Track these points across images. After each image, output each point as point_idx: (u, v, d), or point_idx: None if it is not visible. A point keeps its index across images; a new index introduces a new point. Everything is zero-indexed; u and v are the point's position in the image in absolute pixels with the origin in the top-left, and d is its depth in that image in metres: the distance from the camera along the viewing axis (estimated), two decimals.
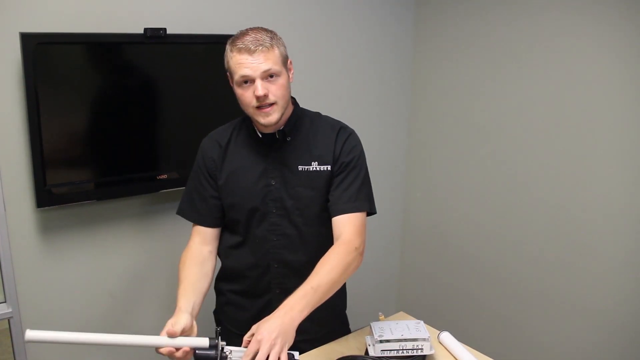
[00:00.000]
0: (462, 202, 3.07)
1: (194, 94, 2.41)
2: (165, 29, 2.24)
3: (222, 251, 1.85)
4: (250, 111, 1.64)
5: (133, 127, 2.31)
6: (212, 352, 1.38)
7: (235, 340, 1.65)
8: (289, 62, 1.67)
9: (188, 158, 2.45)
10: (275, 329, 1.37)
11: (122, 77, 2.26)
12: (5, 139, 2.12)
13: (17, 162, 2.17)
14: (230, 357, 1.38)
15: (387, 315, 1.88)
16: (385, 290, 3.51)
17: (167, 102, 2.36)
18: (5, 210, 2.15)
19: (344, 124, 1.80)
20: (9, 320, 2.26)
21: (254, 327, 1.41)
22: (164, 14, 2.34)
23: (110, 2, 2.22)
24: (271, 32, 1.64)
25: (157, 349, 1.40)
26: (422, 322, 1.74)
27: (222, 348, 1.39)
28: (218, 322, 1.97)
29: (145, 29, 2.21)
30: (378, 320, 1.78)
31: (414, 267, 3.44)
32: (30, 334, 1.30)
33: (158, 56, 2.31)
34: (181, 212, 1.84)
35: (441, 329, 1.82)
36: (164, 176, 2.39)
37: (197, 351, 1.39)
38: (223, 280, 1.91)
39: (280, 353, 1.35)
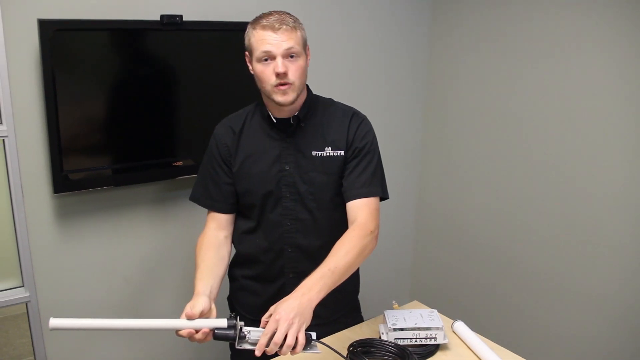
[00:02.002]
0: (477, 191, 3.05)
1: (209, 80, 2.41)
2: (181, 16, 2.24)
3: (235, 237, 1.86)
4: (268, 89, 1.64)
5: (149, 114, 2.32)
6: (231, 332, 1.39)
7: (250, 325, 1.66)
8: (307, 47, 1.69)
9: (203, 145, 2.45)
10: (293, 309, 1.38)
11: (139, 63, 2.27)
12: (22, 126, 2.14)
13: (34, 149, 2.19)
14: (248, 337, 1.39)
15: (401, 304, 1.88)
16: (399, 280, 3.51)
17: (183, 89, 2.37)
18: (23, 196, 2.17)
19: (356, 110, 1.81)
20: (26, 305, 2.29)
21: (272, 308, 1.42)
22: (181, 1, 2.34)
23: None
24: (294, 16, 1.66)
25: (177, 331, 1.41)
26: (435, 311, 1.74)
27: (241, 328, 1.40)
28: (232, 308, 1.98)
29: (162, 16, 2.21)
30: (392, 308, 1.78)
31: (427, 257, 3.43)
32: (54, 322, 1.32)
33: (174, 43, 2.31)
34: (194, 199, 1.85)
35: (455, 318, 1.82)
36: (180, 163, 2.40)
37: (216, 331, 1.40)
38: (237, 266, 1.92)
39: (297, 332, 1.36)
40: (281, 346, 1.35)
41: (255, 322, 1.50)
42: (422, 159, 3.34)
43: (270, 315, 1.39)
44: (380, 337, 1.69)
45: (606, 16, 2.38)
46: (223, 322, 1.41)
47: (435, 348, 1.67)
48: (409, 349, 1.59)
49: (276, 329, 1.35)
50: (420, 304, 1.96)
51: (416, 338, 1.65)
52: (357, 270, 1.93)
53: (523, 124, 2.77)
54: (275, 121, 1.74)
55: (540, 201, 2.73)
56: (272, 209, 1.76)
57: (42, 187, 2.24)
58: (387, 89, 3.11)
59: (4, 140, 2.09)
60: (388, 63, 3.07)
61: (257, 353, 1.36)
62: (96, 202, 2.37)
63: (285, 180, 1.73)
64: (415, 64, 3.20)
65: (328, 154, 1.72)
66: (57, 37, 2.01)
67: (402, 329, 1.65)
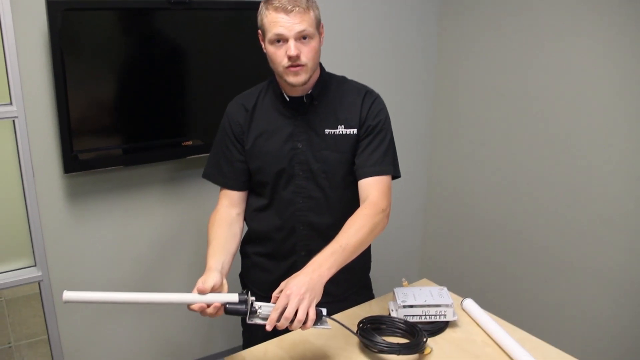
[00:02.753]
0: (486, 170, 3.05)
1: (218, 60, 2.41)
2: None
3: (248, 214, 1.86)
4: (280, 70, 1.63)
5: (158, 94, 2.32)
6: (242, 307, 1.40)
7: (261, 301, 1.67)
8: (321, 25, 1.67)
9: (213, 124, 2.46)
10: (304, 284, 1.38)
11: (147, 43, 2.27)
12: (32, 107, 2.15)
13: (44, 129, 2.20)
14: (259, 312, 1.40)
15: (411, 282, 1.88)
16: (408, 258, 3.52)
17: (192, 68, 2.37)
18: (34, 176, 2.18)
19: (369, 88, 1.79)
20: (39, 284, 2.32)
21: (282, 283, 1.42)
22: None
23: None
24: None
25: (188, 305, 1.42)
26: (445, 288, 1.75)
27: (252, 303, 1.41)
28: (244, 285, 1.99)
29: None
30: (401, 286, 1.79)
31: (437, 235, 3.44)
32: (67, 295, 1.33)
33: (183, 22, 2.30)
34: (207, 176, 1.85)
35: (464, 296, 1.82)
36: (189, 143, 2.41)
37: (227, 306, 1.41)
38: (249, 243, 1.93)
39: (308, 308, 1.36)
40: (292, 321, 1.35)
41: (266, 299, 1.49)
42: (432, 138, 3.33)
43: (281, 291, 1.40)
44: (389, 314, 1.70)
45: (622, 5, 2.36)
46: (234, 297, 1.41)
47: (444, 325, 1.68)
48: (419, 325, 1.60)
49: (287, 304, 1.35)
50: (429, 281, 1.96)
51: (425, 315, 1.66)
52: (369, 249, 1.93)
53: (533, 102, 2.75)
54: (288, 99, 1.73)
55: (550, 179, 2.73)
56: (285, 186, 1.76)
57: (52, 167, 2.25)
58: (397, 67, 3.09)
59: (14, 121, 2.11)
60: (399, 42, 3.05)
61: (268, 328, 1.37)
62: (106, 182, 2.39)
63: (297, 158, 1.73)
64: (426, 43, 3.17)
65: (341, 132, 1.72)
66: (65, 18, 2.01)
67: (411, 306, 1.65)
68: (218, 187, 1.84)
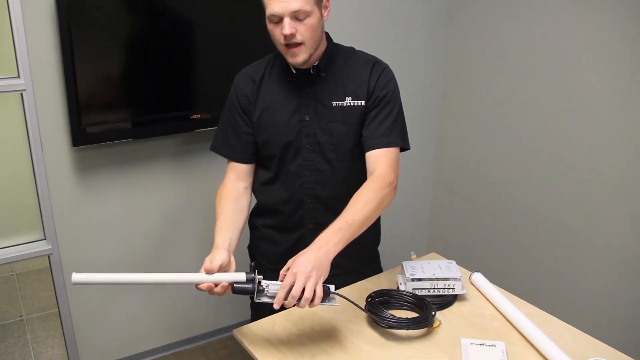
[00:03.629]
0: (495, 144, 3.02)
1: (225, 33, 2.39)
2: None
3: (256, 187, 1.86)
4: (280, 48, 1.63)
5: (165, 68, 2.31)
6: (250, 286, 1.40)
7: (269, 274, 1.67)
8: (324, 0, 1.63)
9: (220, 98, 2.44)
10: (310, 262, 1.38)
11: (154, 17, 2.25)
12: (40, 80, 2.14)
13: (52, 102, 2.20)
14: (267, 291, 1.40)
15: (419, 256, 1.88)
16: (417, 232, 3.51)
17: (199, 42, 2.35)
18: (42, 150, 2.18)
19: (378, 58, 1.77)
20: (49, 257, 2.33)
21: (289, 261, 1.42)
22: None
23: None
24: None
25: (196, 285, 1.43)
26: (454, 262, 1.74)
27: (259, 282, 1.41)
28: (252, 256, 2.00)
29: None
30: (410, 259, 1.79)
31: (445, 209, 3.43)
32: (76, 277, 1.33)
33: None
34: (215, 149, 1.84)
35: (473, 270, 1.82)
36: (197, 116, 2.40)
37: (235, 285, 1.41)
38: (257, 215, 1.93)
39: (315, 285, 1.36)
40: (299, 299, 1.35)
41: (274, 272, 1.51)
42: (442, 110, 3.31)
43: (288, 269, 1.40)
44: (398, 288, 1.70)
45: (626, 7, 2.32)
46: (242, 276, 1.41)
47: (453, 298, 1.67)
48: (427, 299, 1.59)
49: (294, 283, 1.35)
50: (438, 255, 1.96)
51: (434, 288, 1.66)
52: (378, 221, 1.92)
53: (544, 77, 2.72)
54: (294, 72, 1.71)
55: (561, 151, 2.70)
56: (292, 159, 1.75)
57: (61, 140, 2.25)
58: (406, 40, 3.06)
59: (22, 94, 2.10)
60: (407, 15, 3.02)
61: (276, 306, 1.37)
62: (115, 156, 2.39)
63: (305, 131, 1.72)
64: (435, 14, 3.13)
65: (348, 103, 1.70)
66: None
67: (420, 279, 1.65)
68: (226, 160, 1.83)
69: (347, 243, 1.48)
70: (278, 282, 1.41)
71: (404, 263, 1.72)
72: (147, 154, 2.46)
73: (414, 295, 1.61)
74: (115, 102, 2.27)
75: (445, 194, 3.41)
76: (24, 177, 2.25)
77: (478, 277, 1.76)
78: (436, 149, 3.40)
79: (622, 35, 2.37)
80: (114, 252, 2.51)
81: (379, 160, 1.65)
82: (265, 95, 1.74)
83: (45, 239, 2.32)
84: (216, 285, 1.41)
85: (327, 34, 1.73)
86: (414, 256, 1.81)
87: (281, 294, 1.36)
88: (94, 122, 2.21)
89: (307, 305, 1.37)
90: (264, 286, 1.41)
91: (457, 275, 1.66)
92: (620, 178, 2.48)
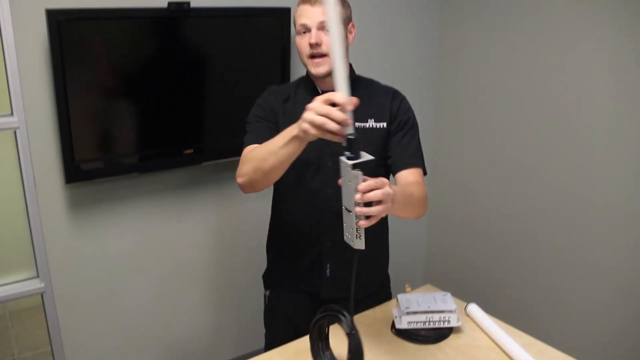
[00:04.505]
0: (490, 173, 3.04)
1: (218, 67, 2.41)
2: (188, 3, 2.23)
3: (275, 204, 1.91)
4: (304, 60, 1.73)
5: (159, 103, 2.32)
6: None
7: (287, 296, 1.80)
8: (350, 24, 1.76)
9: (214, 133, 2.47)
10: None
11: (147, 51, 2.27)
12: (34, 117, 2.14)
13: (46, 140, 2.20)
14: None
15: (415, 287, 1.87)
16: (413, 264, 3.50)
17: (192, 76, 2.36)
18: (35, 187, 2.18)
19: (396, 89, 1.86)
20: (42, 295, 2.30)
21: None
22: None
23: None
24: None
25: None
26: (449, 294, 1.73)
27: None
28: (267, 285, 2.01)
29: (169, 3, 2.21)
30: (405, 292, 1.78)
31: (441, 240, 3.42)
32: None
33: (182, 30, 2.31)
34: (247, 144, 1.77)
35: (469, 301, 1.80)
36: (190, 151, 2.40)
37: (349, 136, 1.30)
38: (274, 235, 1.97)
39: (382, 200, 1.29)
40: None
41: (292, 292, 1.59)
42: (435, 143, 3.32)
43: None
44: (393, 321, 1.68)
45: (623, 8, 2.36)
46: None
47: (448, 331, 1.66)
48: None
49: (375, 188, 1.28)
50: (433, 287, 1.95)
51: (429, 321, 1.64)
52: (387, 247, 2.01)
53: (537, 102, 2.74)
54: (321, 92, 1.77)
55: (555, 183, 2.71)
56: (313, 176, 1.78)
57: (54, 177, 2.25)
58: (399, 65, 3.08)
59: (15, 132, 2.10)
60: (400, 40, 3.05)
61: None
62: (109, 192, 2.38)
63: (328, 150, 1.74)
64: (427, 36, 3.17)
65: (371, 125, 1.76)
66: (65, 27, 2.01)
67: (415, 312, 1.63)
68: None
69: (400, 207, 1.44)
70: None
71: (399, 296, 1.71)
72: (141, 189, 2.45)
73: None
74: (109, 138, 2.27)
75: (441, 224, 3.41)
76: (17, 214, 2.23)
77: (473, 309, 1.75)
78: (431, 179, 3.40)
79: (617, 57, 2.41)
80: (109, 290, 2.48)
81: (411, 177, 1.72)
82: (290, 114, 1.78)
83: (38, 277, 2.30)
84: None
85: (350, 64, 1.82)
86: (408, 289, 1.80)
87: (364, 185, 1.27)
88: (88, 158, 2.21)
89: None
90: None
91: (452, 308, 1.65)
92: (617, 205, 2.49)
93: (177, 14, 2.23)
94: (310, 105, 1.33)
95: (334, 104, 1.31)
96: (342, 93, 1.29)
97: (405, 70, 3.12)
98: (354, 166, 1.27)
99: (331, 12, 1.28)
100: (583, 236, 2.63)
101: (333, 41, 1.27)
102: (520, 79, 2.80)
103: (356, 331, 1.33)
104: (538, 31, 2.69)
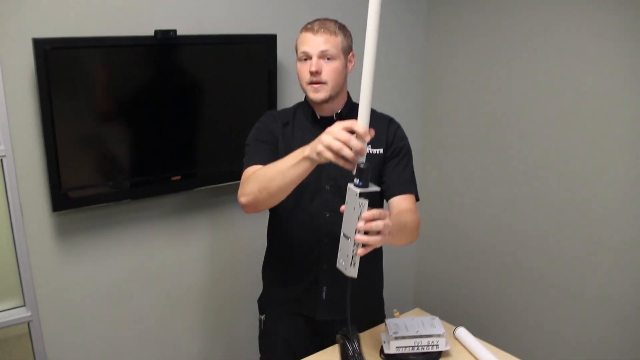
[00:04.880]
0: (477, 198, 3.05)
1: (205, 94, 2.42)
2: (175, 31, 2.25)
3: (271, 227, 1.93)
4: (304, 85, 1.76)
5: (147, 130, 2.32)
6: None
7: (283, 319, 1.80)
8: (351, 53, 1.80)
9: (202, 158, 2.47)
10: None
11: (134, 79, 2.28)
12: (20, 145, 2.14)
13: (32, 168, 2.19)
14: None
15: (405, 311, 1.87)
16: (402, 287, 3.50)
17: (180, 103, 2.37)
18: (22, 215, 2.17)
19: (392, 117, 1.92)
20: (28, 324, 2.29)
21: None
22: (174, 16, 2.35)
23: (121, 5, 2.23)
24: (342, 25, 1.79)
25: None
26: (437, 318, 1.73)
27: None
28: (262, 309, 2.02)
29: (156, 31, 2.22)
30: (393, 317, 1.78)
31: (430, 263, 3.42)
32: None
33: (169, 57, 2.32)
34: (247, 165, 1.78)
35: (458, 324, 1.81)
36: (178, 178, 2.40)
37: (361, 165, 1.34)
38: (270, 259, 1.98)
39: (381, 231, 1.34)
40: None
41: (288, 315, 1.60)
42: (421, 167, 3.34)
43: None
44: (382, 347, 1.68)
45: (603, 14, 2.39)
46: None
47: (437, 355, 1.66)
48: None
49: (379, 219, 1.34)
50: (422, 311, 1.95)
51: (418, 346, 1.64)
52: (382, 271, 2.04)
53: (521, 128, 2.77)
54: (319, 118, 1.81)
55: (542, 205, 2.73)
56: (311, 200, 1.81)
57: (41, 205, 2.23)
58: (383, 93, 3.10)
59: (1, 160, 2.10)
60: (385, 66, 3.06)
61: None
62: (97, 219, 2.37)
63: (326, 173, 1.78)
64: (412, 64, 3.20)
65: (367, 150, 1.76)
66: (52, 56, 2.02)
67: (403, 337, 1.64)
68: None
69: (393, 234, 1.46)
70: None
71: (387, 321, 1.71)
72: (129, 216, 2.44)
73: None
74: (97, 166, 2.27)
75: (429, 249, 3.41)
76: (3, 242, 2.22)
77: (462, 332, 1.75)
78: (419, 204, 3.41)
79: (612, 60, 2.41)
80: (97, 318, 2.46)
81: (404, 203, 1.76)
82: (288, 138, 1.82)
83: (24, 306, 2.28)
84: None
85: (348, 92, 1.86)
86: (397, 313, 1.81)
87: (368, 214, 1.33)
88: (75, 186, 2.20)
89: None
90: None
91: (441, 332, 1.65)
92: (604, 231, 2.51)
93: (164, 42, 2.24)
94: (329, 129, 1.36)
95: (351, 131, 1.34)
96: (362, 123, 1.34)
97: (392, 98, 3.14)
98: (361, 194, 1.30)
99: (370, 48, 1.37)
100: (572, 261, 2.64)
101: (364, 74, 1.35)
102: (505, 105, 2.83)
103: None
104: (524, 55, 2.72)
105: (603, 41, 2.40)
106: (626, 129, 2.37)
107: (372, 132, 1.36)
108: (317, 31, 1.71)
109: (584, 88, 2.48)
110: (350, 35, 1.80)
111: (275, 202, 1.62)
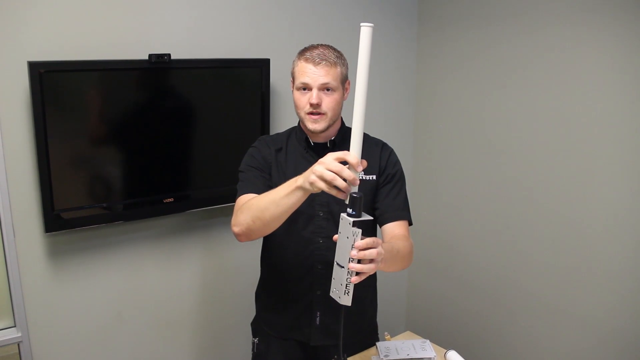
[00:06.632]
0: (469, 219, 3.07)
1: (198, 118, 2.44)
2: (169, 55, 2.27)
3: (265, 253, 1.93)
4: (302, 115, 1.76)
5: (139, 152, 2.33)
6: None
7: (276, 343, 1.79)
8: (347, 82, 1.81)
9: (194, 181, 2.48)
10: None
11: (128, 103, 2.29)
12: (14, 166, 2.15)
13: (25, 189, 2.19)
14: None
15: (397, 333, 1.88)
16: (393, 310, 3.49)
17: (173, 126, 2.38)
18: (14, 236, 2.17)
19: (384, 142, 1.93)
20: (18, 345, 2.27)
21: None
22: (168, 40, 2.37)
23: (115, 29, 2.25)
24: (339, 52, 1.79)
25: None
26: (428, 341, 1.74)
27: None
28: (255, 332, 2.02)
29: (150, 55, 2.24)
30: (384, 340, 1.78)
31: (421, 286, 3.43)
32: None
33: (163, 81, 2.34)
34: (240, 194, 1.80)
35: (449, 347, 1.81)
36: (170, 200, 2.41)
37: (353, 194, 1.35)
38: (264, 285, 1.99)
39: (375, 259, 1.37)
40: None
41: (281, 339, 1.61)
42: (413, 189, 3.35)
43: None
44: None
45: (588, 29, 2.43)
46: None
47: None
48: None
49: (373, 247, 1.35)
50: (413, 334, 1.96)
51: None
52: (376, 294, 2.03)
53: (510, 151, 2.79)
54: (312, 144, 1.83)
55: (534, 228, 2.74)
56: (304, 226, 1.81)
57: (33, 226, 2.23)
58: (375, 111, 3.12)
59: None
60: (376, 84, 3.08)
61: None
62: (89, 240, 2.37)
63: (319, 200, 1.79)
64: (403, 82, 3.23)
65: (361, 177, 1.77)
66: (46, 78, 2.03)
67: None
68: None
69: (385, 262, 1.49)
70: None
71: (378, 344, 1.72)
72: (122, 237, 2.45)
73: None
74: (90, 187, 2.27)
75: (420, 271, 3.41)
76: None
77: (452, 355, 1.76)
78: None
79: (608, 65, 2.42)
80: (88, 340, 2.44)
81: (397, 230, 1.77)
82: (281, 164, 1.83)
83: (15, 327, 2.27)
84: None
85: (341, 117, 1.87)
86: (388, 336, 1.81)
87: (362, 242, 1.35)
88: (68, 207, 2.20)
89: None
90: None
91: (432, 355, 1.66)
92: (596, 252, 2.52)
93: (158, 66, 2.26)
94: (322, 160, 1.39)
95: (344, 162, 1.36)
96: (354, 154, 1.37)
97: (383, 121, 3.17)
98: (354, 223, 1.32)
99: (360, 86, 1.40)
100: (565, 283, 2.64)
101: (357, 103, 1.40)
102: (494, 128, 2.85)
103: None
104: (513, 80, 2.75)
105: (592, 62, 2.43)
106: (615, 150, 2.40)
107: (365, 162, 1.39)
108: (319, 63, 1.71)
109: (575, 111, 2.51)
110: (347, 62, 1.81)
111: (268, 231, 1.63)
